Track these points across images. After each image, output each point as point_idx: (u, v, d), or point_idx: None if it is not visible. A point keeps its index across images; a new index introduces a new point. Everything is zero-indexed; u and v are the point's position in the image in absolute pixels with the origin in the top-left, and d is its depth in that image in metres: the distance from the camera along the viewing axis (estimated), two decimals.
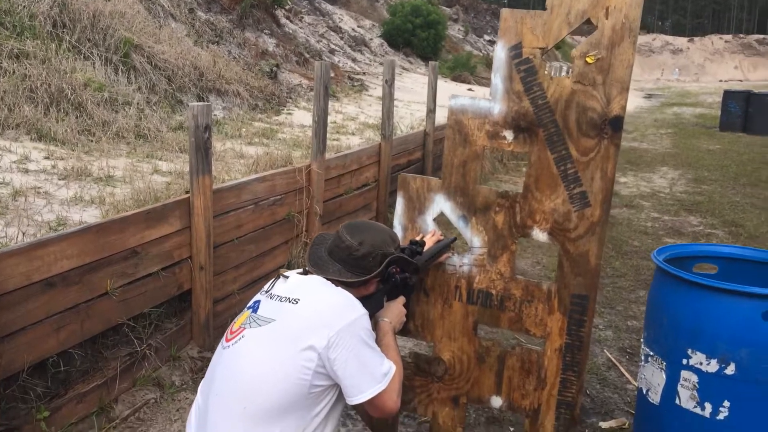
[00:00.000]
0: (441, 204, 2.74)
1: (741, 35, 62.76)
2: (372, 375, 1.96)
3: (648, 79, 49.13)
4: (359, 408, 2.13)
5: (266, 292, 2.11)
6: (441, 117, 8.22)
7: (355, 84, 15.35)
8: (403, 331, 2.83)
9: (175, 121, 7.73)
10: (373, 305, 2.22)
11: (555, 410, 2.64)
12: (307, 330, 1.92)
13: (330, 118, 6.62)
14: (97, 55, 7.66)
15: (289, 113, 10.55)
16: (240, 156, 6.54)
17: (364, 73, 17.61)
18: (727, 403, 2.34)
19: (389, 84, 6.43)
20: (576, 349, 2.59)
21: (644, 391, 2.63)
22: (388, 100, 6.43)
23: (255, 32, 14.11)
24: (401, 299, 2.39)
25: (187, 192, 3.67)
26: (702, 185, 9.34)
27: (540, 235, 2.62)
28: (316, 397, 1.93)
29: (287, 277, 2.13)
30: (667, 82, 46.85)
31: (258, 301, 2.08)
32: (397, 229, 2.80)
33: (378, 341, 2.12)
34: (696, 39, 60.40)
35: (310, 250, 2.22)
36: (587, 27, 2.56)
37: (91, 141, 6.03)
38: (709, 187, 9.17)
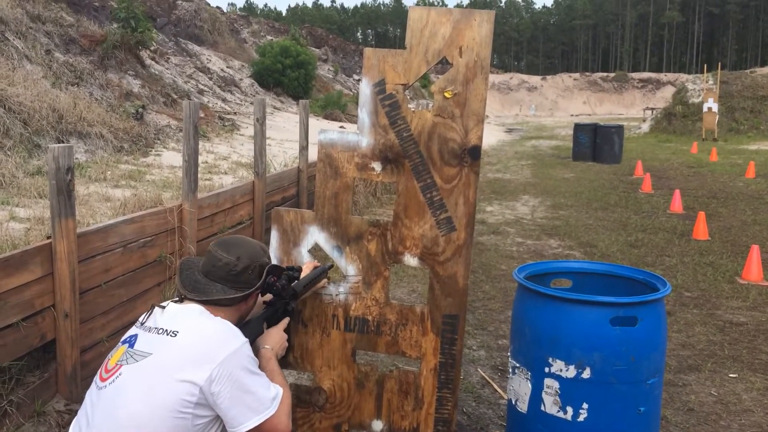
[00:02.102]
0: (315, 235, 2.81)
1: (587, 73, 68.45)
2: (260, 401, 1.96)
3: (508, 115, 52.26)
4: None
5: (142, 324, 2.06)
6: (314, 154, 8.31)
7: (226, 124, 15.20)
8: (283, 363, 2.84)
9: (32, 166, 7.30)
10: (252, 331, 2.22)
11: (433, 428, 2.75)
12: (187, 363, 1.89)
13: (201, 158, 6.54)
14: None
15: (158, 154, 10.26)
16: (106, 199, 6.28)
17: (235, 113, 17.47)
18: (585, 405, 2.55)
19: (261, 122, 6.46)
20: (450, 367, 2.72)
21: (513, 402, 2.79)
22: (260, 138, 6.45)
23: (118, 73, 13.66)
24: (282, 324, 2.40)
25: (48, 237, 3.50)
26: (559, 211, 10.05)
27: (411, 260, 2.75)
28: (202, 429, 1.92)
29: (164, 307, 2.09)
30: (525, 117, 50.04)
31: (135, 335, 2.03)
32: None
33: (262, 368, 2.12)
34: (548, 77, 65.12)
35: (181, 275, 2.16)
36: (444, 66, 2.77)
37: None
38: (566, 213, 9.88)
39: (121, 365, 1.94)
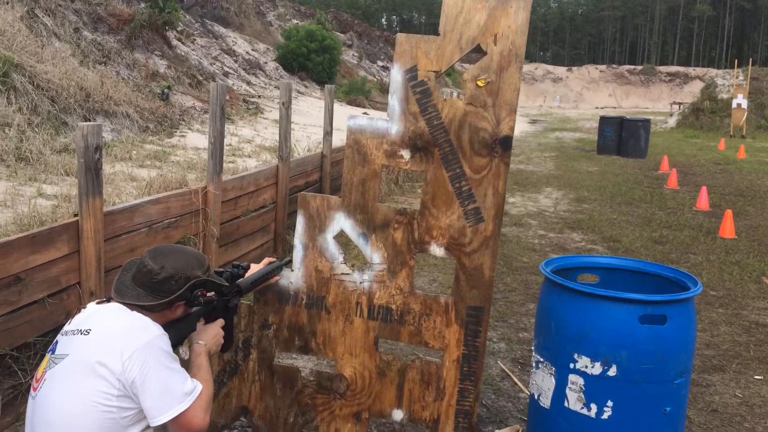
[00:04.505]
0: (341, 222, 2.79)
1: (614, 65, 67.50)
2: (172, 395, 1.95)
3: (532, 106, 51.75)
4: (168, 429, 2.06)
5: (63, 330, 2.09)
6: (337, 140, 8.31)
7: (251, 107, 15.22)
8: (305, 349, 2.84)
9: (59, 143, 7.37)
10: (183, 328, 2.21)
11: (454, 420, 2.73)
12: (99, 358, 1.91)
13: (225, 141, 6.54)
14: None
15: (183, 135, 10.31)
16: (131, 179, 6.32)
17: (259, 96, 17.49)
18: (610, 403, 2.51)
19: (286, 106, 6.44)
20: (472, 359, 2.70)
21: (536, 397, 2.77)
22: (285, 122, 6.44)
23: (145, 53, 13.71)
24: (219, 322, 2.36)
25: (75, 215, 3.52)
26: (583, 204, 9.94)
27: (437, 250, 2.72)
28: (131, 420, 1.94)
29: (85, 308, 2.13)
30: (550, 109, 49.52)
31: (56, 342, 2.06)
32: (298, 248, 2.82)
33: (190, 362, 2.14)
34: (574, 68, 64.34)
35: (118, 276, 2.18)
36: (477, 55, 2.72)
37: None
38: (589, 206, 9.77)
39: (47, 372, 1.98)
